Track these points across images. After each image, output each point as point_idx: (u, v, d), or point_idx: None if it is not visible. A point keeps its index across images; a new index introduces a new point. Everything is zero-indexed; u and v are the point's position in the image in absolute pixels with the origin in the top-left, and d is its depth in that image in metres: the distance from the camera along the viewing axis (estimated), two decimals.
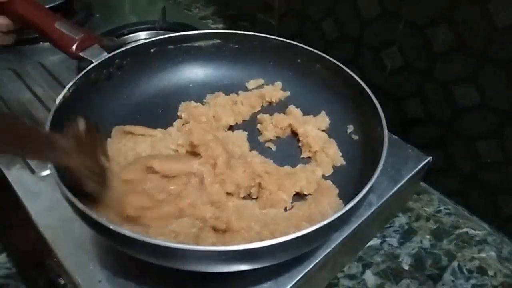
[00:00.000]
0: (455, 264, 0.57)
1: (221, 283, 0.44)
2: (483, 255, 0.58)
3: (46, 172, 0.54)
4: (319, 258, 0.46)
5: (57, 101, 0.47)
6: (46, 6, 0.63)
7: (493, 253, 0.58)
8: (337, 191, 0.50)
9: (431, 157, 0.59)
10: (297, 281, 0.45)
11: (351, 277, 0.55)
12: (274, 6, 0.79)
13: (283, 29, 0.79)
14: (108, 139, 0.53)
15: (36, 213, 0.49)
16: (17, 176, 0.53)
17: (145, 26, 0.81)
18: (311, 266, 0.45)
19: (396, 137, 0.60)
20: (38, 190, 0.51)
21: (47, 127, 0.43)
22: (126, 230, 0.35)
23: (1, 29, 0.61)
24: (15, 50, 0.76)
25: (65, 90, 0.48)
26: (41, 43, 0.77)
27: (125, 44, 0.76)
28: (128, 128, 0.54)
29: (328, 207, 0.47)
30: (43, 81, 0.70)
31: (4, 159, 0.55)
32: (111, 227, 0.35)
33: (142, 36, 0.80)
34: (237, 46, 0.63)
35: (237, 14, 0.98)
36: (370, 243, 0.58)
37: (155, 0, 0.97)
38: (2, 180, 0.53)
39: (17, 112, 0.64)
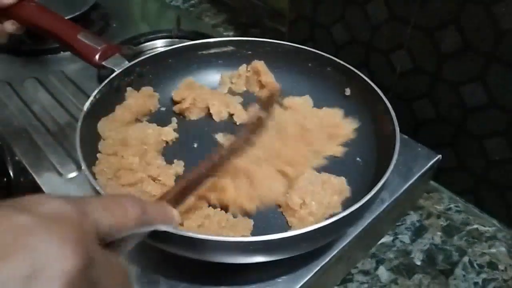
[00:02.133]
0: (466, 259, 0.58)
1: (240, 278, 0.46)
2: (493, 250, 0.59)
3: (73, 174, 0.56)
4: (335, 252, 0.48)
5: (85, 107, 0.50)
6: (66, 17, 0.66)
7: (503, 249, 0.59)
8: None
9: (440, 155, 0.60)
10: (314, 274, 0.46)
11: (365, 272, 0.56)
12: (285, 13, 0.80)
13: (294, 35, 0.80)
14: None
15: None
16: (46, 179, 0.56)
17: (161, 34, 0.83)
18: (327, 260, 0.47)
19: (406, 136, 0.62)
20: (66, 191, 0.54)
21: (79, 128, 0.46)
22: None
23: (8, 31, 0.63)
24: (38, 60, 0.79)
25: (91, 97, 0.51)
26: (61, 52, 0.80)
27: (143, 52, 0.79)
28: None
29: None
30: (64, 88, 0.73)
31: (33, 163, 0.58)
32: None
33: (159, 44, 0.83)
34: (250, 52, 0.65)
35: (247, 22, 1.01)
36: (382, 240, 0.60)
37: (164, 9, 1.01)
38: (33, 184, 0.55)
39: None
